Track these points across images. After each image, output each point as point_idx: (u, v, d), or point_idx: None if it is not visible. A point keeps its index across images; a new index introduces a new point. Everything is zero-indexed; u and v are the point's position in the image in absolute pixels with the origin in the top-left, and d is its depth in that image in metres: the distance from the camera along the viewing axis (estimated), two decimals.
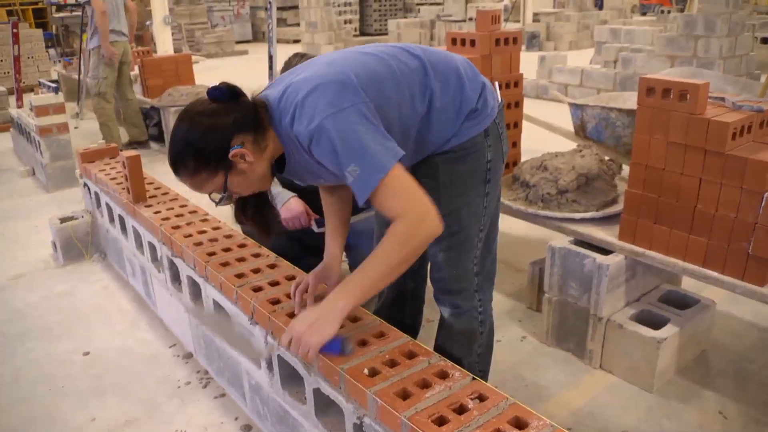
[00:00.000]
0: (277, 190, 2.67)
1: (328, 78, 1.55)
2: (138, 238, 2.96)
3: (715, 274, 2.17)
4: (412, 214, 1.49)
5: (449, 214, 1.74)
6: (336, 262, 1.94)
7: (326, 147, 1.49)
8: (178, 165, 1.59)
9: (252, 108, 1.61)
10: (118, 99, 6.14)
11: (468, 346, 2.00)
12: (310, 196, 2.72)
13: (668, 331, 2.35)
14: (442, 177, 1.79)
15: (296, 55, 2.63)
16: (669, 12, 18.35)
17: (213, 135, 1.55)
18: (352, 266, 2.89)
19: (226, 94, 1.60)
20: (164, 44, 9.33)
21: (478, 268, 1.91)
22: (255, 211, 1.80)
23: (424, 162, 1.80)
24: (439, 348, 2.00)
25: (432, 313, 2.44)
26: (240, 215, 1.83)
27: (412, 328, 2.29)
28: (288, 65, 2.57)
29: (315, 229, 2.62)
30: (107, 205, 3.33)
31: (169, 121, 5.83)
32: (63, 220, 3.65)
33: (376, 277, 1.51)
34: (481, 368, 2.05)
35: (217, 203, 1.67)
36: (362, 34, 17.22)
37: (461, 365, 1.72)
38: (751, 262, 2.08)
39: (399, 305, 2.24)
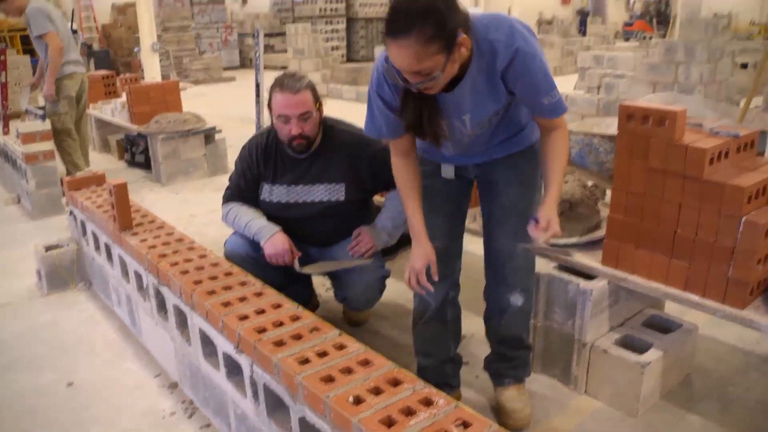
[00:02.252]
0: (261, 224, 2.68)
1: (519, 20, 1.87)
2: (124, 266, 2.95)
3: (696, 297, 2.20)
4: (565, 126, 2.02)
5: (526, 207, 2.14)
6: (430, 247, 2.09)
7: (541, 70, 1.84)
8: (413, 28, 1.61)
9: (466, 11, 1.76)
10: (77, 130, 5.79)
11: (528, 322, 2.40)
12: (298, 227, 2.74)
13: (652, 355, 2.37)
14: (521, 174, 2.16)
15: (285, 74, 2.66)
16: (651, 38, 18.68)
17: (454, 17, 1.67)
18: (338, 296, 2.90)
19: None
20: (152, 71, 9.35)
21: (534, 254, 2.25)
22: (429, 119, 1.91)
23: (503, 160, 2.14)
24: (503, 337, 2.36)
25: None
26: (413, 126, 1.94)
27: (455, 333, 2.45)
28: (281, 83, 2.59)
29: (297, 268, 2.63)
30: (93, 233, 3.32)
31: (157, 148, 5.85)
32: (48, 248, 3.63)
33: (563, 173, 1.98)
34: (529, 337, 2.46)
35: (416, 86, 1.73)
36: (349, 60, 17.40)
37: (522, 341, 2.37)
38: (731, 286, 2.11)
39: (441, 316, 2.35)
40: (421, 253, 2.06)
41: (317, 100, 2.63)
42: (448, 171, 2.21)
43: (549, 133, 1.99)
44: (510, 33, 1.80)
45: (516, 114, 2.08)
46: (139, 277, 2.78)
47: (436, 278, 2.07)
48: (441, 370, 2.40)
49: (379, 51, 14.63)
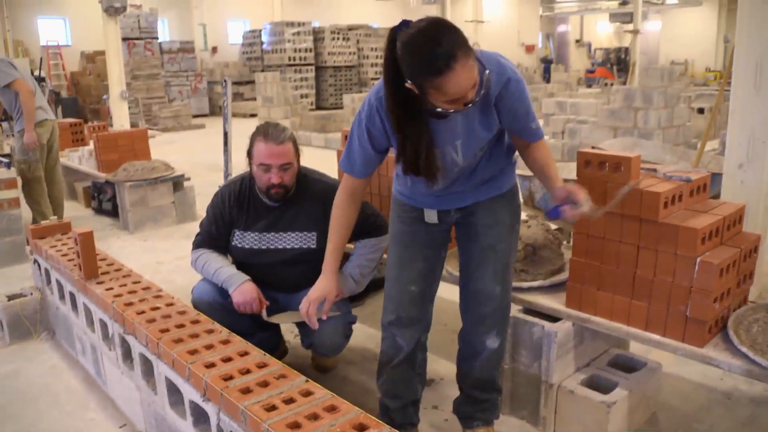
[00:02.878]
0: (230, 272, 2.69)
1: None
2: (89, 315, 2.92)
3: (657, 337, 2.25)
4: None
5: (505, 249, 2.24)
6: (335, 283, 2.23)
7: (527, 96, 2.02)
8: (456, 50, 1.72)
9: None
10: (48, 178, 5.72)
11: (500, 365, 2.43)
12: (268, 273, 2.75)
13: (617, 395, 2.40)
14: (499, 216, 2.24)
15: (269, 124, 2.71)
16: (612, 84, 19.28)
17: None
18: (305, 342, 2.90)
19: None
20: (120, 119, 9.36)
21: (510, 298, 2.35)
22: (426, 159, 1.98)
23: (481, 204, 2.23)
24: (476, 379, 2.39)
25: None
26: (410, 167, 2.01)
27: (422, 377, 2.47)
28: (265, 132, 2.64)
29: (264, 317, 2.64)
30: (58, 281, 3.28)
31: (124, 196, 5.82)
32: (11, 297, 3.57)
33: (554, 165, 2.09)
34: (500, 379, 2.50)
35: (472, 102, 1.83)
36: (318, 108, 17.60)
37: (494, 383, 2.41)
38: (689, 325, 2.17)
39: (412, 360, 2.38)
40: (323, 287, 2.24)
41: (297, 152, 2.69)
42: (431, 215, 2.26)
43: (536, 146, 2.11)
44: (499, 64, 1.95)
45: (498, 151, 2.18)
46: (104, 325, 2.75)
47: (324, 317, 2.24)
48: (405, 411, 2.41)
49: (348, 98, 14.86)
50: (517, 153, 2.25)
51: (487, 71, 1.84)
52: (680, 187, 2.27)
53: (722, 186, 3.45)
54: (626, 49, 25.59)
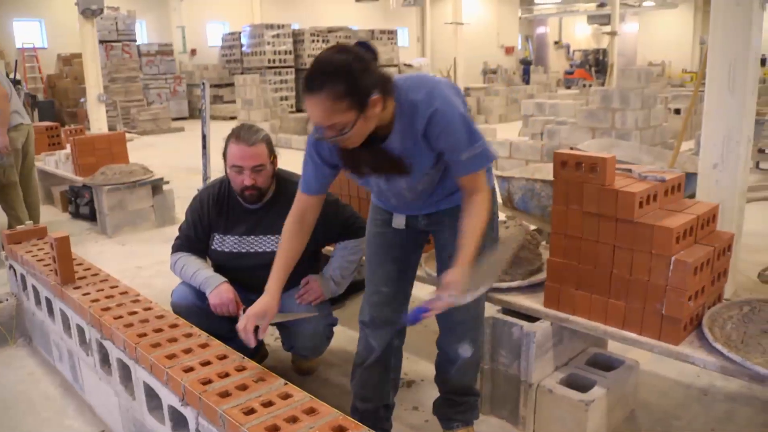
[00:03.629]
0: (207, 274, 2.68)
1: (447, 81, 2.00)
2: (66, 321, 2.89)
3: (633, 335, 2.27)
4: (487, 192, 2.01)
5: (483, 255, 2.08)
6: (276, 302, 2.12)
7: (461, 127, 1.88)
8: (325, 84, 1.71)
9: (385, 74, 1.84)
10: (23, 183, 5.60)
11: (476, 371, 2.44)
12: (248, 276, 2.74)
13: (595, 393, 2.42)
14: None
15: (243, 126, 2.70)
16: (591, 86, 19.46)
17: (369, 75, 1.76)
18: (285, 345, 2.90)
19: (373, 53, 1.85)
20: (98, 122, 9.29)
21: (484, 305, 2.36)
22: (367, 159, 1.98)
23: (447, 212, 2.17)
24: (452, 385, 2.40)
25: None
26: (357, 170, 2.03)
27: (395, 381, 2.48)
28: (237, 134, 2.63)
29: None
30: (33, 287, 3.24)
31: (102, 200, 5.76)
32: None
33: (479, 232, 1.95)
34: (477, 384, 2.50)
35: (326, 139, 1.82)
36: (298, 110, 17.54)
37: (470, 388, 2.41)
38: (665, 323, 2.19)
39: (385, 362, 2.37)
40: (264, 303, 2.11)
41: (272, 153, 2.69)
42: (398, 221, 2.26)
43: (470, 197, 1.99)
44: (430, 94, 1.89)
45: (448, 176, 2.11)
46: (81, 331, 2.72)
47: (261, 337, 2.10)
48: (376, 414, 2.41)
49: None
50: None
51: (355, 122, 1.77)
52: (655, 187, 2.30)
53: (697, 186, 3.50)
54: (604, 51, 25.85)
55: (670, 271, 2.14)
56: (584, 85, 21.36)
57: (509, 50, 29.27)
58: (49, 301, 3.06)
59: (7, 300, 3.56)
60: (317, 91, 1.73)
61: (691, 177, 3.37)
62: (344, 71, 1.73)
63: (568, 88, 22.29)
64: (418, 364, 3.09)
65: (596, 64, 26.04)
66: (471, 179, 1.97)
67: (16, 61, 15.35)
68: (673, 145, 7.34)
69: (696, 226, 2.26)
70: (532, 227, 3.15)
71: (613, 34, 21.52)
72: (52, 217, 6.59)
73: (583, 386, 2.49)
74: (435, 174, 2.06)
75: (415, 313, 1.86)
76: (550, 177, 3.32)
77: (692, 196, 3.42)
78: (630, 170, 2.43)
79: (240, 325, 2.06)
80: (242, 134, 2.61)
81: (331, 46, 1.83)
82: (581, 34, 32.57)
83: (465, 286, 1.85)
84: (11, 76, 13.79)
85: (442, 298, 1.85)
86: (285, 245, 2.17)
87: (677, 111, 10.50)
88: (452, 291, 1.84)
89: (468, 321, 2.28)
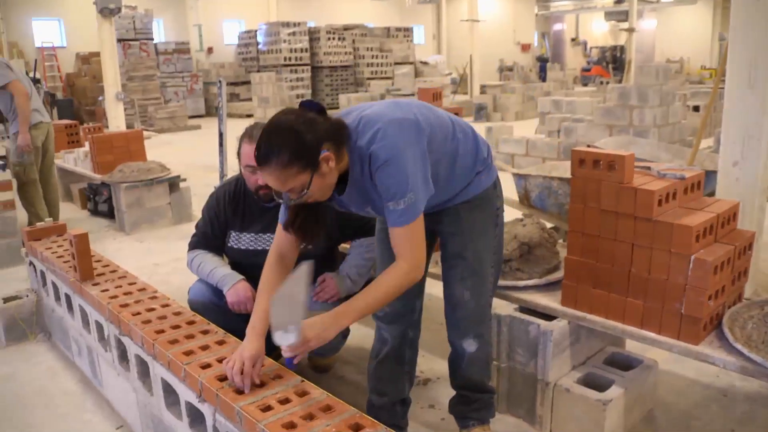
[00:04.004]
0: (224, 272, 2.69)
1: (406, 116, 1.90)
2: (85, 317, 2.91)
3: (652, 334, 2.25)
4: (413, 261, 1.88)
5: (473, 255, 2.15)
6: (263, 343, 1.98)
7: (396, 171, 1.81)
8: (271, 157, 1.76)
9: (336, 124, 1.85)
10: (43, 180, 5.69)
11: (488, 367, 2.40)
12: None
13: (613, 392, 2.41)
14: (465, 224, 2.17)
15: (256, 125, 2.70)
16: (608, 83, 19.32)
17: (311, 137, 1.77)
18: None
19: (317, 107, 1.87)
20: (116, 120, 9.37)
21: (491, 300, 2.32)
22: (302, 221, 2.02)
23: (447, 210, 2.16)
24: (463, 380, 2.38)
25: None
26: (290, 225, 2.04)
27: (410, 375, 2.45)
28: (250, 134, 2.64)
29: None
30: (53, 283, 3.27)
31: (120, 197, 5.81)
32: (6, 299, 3.56)
33: (373, 304, 1.88)
34: (491, 381, 2.47)
35: (291, 201, 1.85)
36: None
37: (483, 385, 2.39)
38: (684, 322, 2.17)
39: (399, 355, 2.37)
40: (251, 347, 1.92)
41: None
42: None
43: (390, 234, 1.91)
44: (374, 135, 1.84)
45: (437, 191, 2.03)
46: (100, 327, 2.75)
47: (257, 381, 1.88)
48: (392, 411, 2.40)
49: (344, 99, 14.85)
50: (489, 156, 2.20)
51: (311, 181, 1.79)
52: (674, 185, 2.27)
53: (717, 183, 3.46)
54: (622, 48, 25.64)
55: (689, 270, 2.12)
56: (601, 83, 21.21)
57: (525, 47, 29.12)
58: (68, 298, 3.09)
59: (27, 296, 3.60)
60: (265, 164, 1.78)
61: (710, 175, 3.33)
62: (287, 137, 1.76)
63: (585, 85, 22.16)
64: (434, 362, 3.09)
65: (614, 61, 25.85)
66: (395, 237, 1.89)
67: (36, 60, 15.51)
68: (691, 142, 7.27)
69: (716, 225, 2.24)
70: (549, 225, 3.13)
71: (630, 30, 21.33)
72: (71, 214, 6.66)
73: (600, 385, 2.48)
74: None
75: (288, 363, 1.85)
76: (568, 175, 3.30)
77: (712, 194, 3.38)
78: (649, 168, 2.40)
79: (236, 369, 1.85)
80: (255, 134, 2.61)
81: (278, 113, 1.86)
82: (598, 31, 32.32)
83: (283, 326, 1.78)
84: (31, 74, 13.93)
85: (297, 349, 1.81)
86: (265, 285, 2.06)
87: (696, 108, 10.38)
88: (310, 343, 1.80)
89: (471, 317, 2.25)
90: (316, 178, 1.81)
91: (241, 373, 1.85)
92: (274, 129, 1.80)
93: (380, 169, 1.83)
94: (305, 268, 1.76)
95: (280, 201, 1.90)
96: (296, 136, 1.76)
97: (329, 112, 1.92)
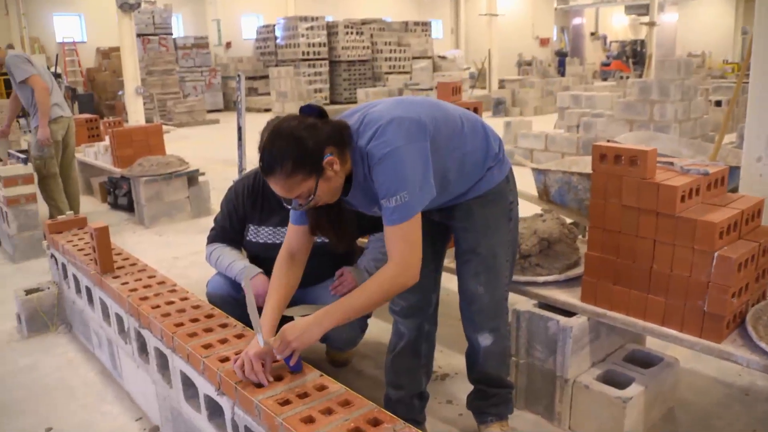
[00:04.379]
0: (243, 265, 2.70)
1: (407, 114, 1.86)
2: (105, 309, 2.94)
3: (674, 332, 2.23)
4: (403, 264, 1.82)
5: (486, 251, 2.14)
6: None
7: (390, 169, 1.79)
8: (275, 167, 1.77)
9: (338, 126, 1.84)
10: (63, 174, 5.74)
11: (505, 362, 2.39)
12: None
13: (633, 390, 2.38)
14: (478, 219, 2.15)
15: (277, 119, 2.70)
16: (628, 77, 19.11)
17: (313, 142, 1.77)
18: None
19: (317, 112, 1.86)
20: (136, 114, 9.43)
21: (507, 294, 2.29)
22: (329, 223, 2.03)
23: (459, 206, 2.14)
24: (480, 374, 2.37)
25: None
26: (315, 227, 2.04)
27: (427, 368, 2.45)
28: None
29: None
30: (74, 276, 3.31)
31: (140, 191, 5.85)
32: (28, 291, 3.60)
33: (358, 308, 1.84)
34: (509, 376, 2.46)
35: (300, 207, 1.86)
36: (332, 102, 17.60)
37: (501, 380, 2.37)
38: (707, 320, 2.14)
39: (416, 348, 2.37)
40: (256, 345, 1.88)
41: None
42: None
43: (385, 232, 1.86)
44: (371, 136, 1.82)
45: (447, 187, 2.04)
46: (120, 319, 2.77)
47: (266, 380, 1.83)
48: (410, 405, 2.40)
49: (362, 93, 14.84)
50: (500, 150, 2.16)
51: (317, 186, 1.80)
52: (697, 180, 2.24)
53: (740, 179, 3.40)
54: (642, 42, 25.35)
55: (712, 267, 2.09)
56: (621, 77, 20.99)
57: (544, 42, 28.91)
58: (89, 290, 3.12)
59: (48, 288, 3.64)
60: (270, 174, 1.79)
61: (733, 171, 3.28)
62: (289, 145, 1.76)
63: (605, 80, 21.93)
64: (452, 357, 3.08)
65: (634, 55, 25.55)
66: (386, 236, 1.85)
67: (57, 55, 15.66)
68: (713, 138, 7.17)
69: (740, 221, 2.20)
70: (569, 221, 3.10)
71: (651, 24, 21.10)
72: (92, 207, 6.72)
73: (620, 383, 2.45)
74: None
75: (288, 365, 1.86)
76: (587, 170, 3.27)
77: (734, 190, 3.33)
78: (671, 163, 2.37)
79: (247, 369, 1.84)
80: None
81: (278, 120, 1.86)
82: (619, 25, 31.98)
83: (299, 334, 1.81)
84: (52, 69, 14.07)
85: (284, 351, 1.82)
86: (276, 283, 2.05)
87: (718, 103, 10.25)
88: (285, 339, 1.81)
89: (486, 311, 2.24)
90: (321, 183, 1.81)
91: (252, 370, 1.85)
92: (275, 138, 1.79)
93: (375, 166, 1.81)
94: (248, 282, 1.91)
95: (290, 207, 1.90)
96: (298, 144, 1.76)
97: (332, 114, 1.92)
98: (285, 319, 2.81)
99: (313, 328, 1.82)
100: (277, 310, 2.01)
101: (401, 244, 1.83)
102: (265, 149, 1.80)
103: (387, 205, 1.81)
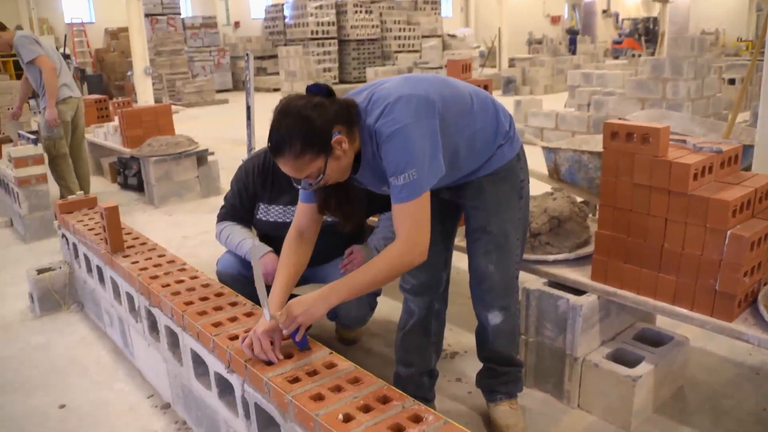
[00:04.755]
0: (253, 243, 2.70)
1: (415, 92, 1.84)
2: (116, 288, 2.96)
3: (684, 311, 2.21)
4: (411, 242, 1.81)
5: (497, 229, 2.12)
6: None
7: (399, 146, 1.76)
8: (283, 148, 1.76)
9: (345, 104, 1.83)
10: (73, 155, 5.76)
11: (514, 340, 2.38)
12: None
13: (643, 368, 2.38)
14: (489, 197, 2.13)
15: (288, 97, 2.70)
16: (640, 56, 18.89)
17: (321, 121, 1.76)
18: (329, 314, 2.91)
19: (324, 90, 1.83)
20: (144, 94, 9.41)
21: (518, 272, 2.28)
22: (337, 203, 2.02)
23: (470, 184, 2.10)
24: (490, 352, 2.37)
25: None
26: (323, 207, 2.03)
27: (437, 346, 2.46)
28: None
29: None
30: (85, 255, 3.32)
31: (149, 170, 5.86)
32: (40, 271, 3.63)
33: (364, 285, 1.84)
34: (518, 354, 2.46)
35: (310, 187, 1.86)
36: (342, 81, 17.50)
37: (511, 358, 2.37)
38: (718, 299, 2.13)
39: (425, 326, 2.37)
40: (264, 323, 1.88)
41: None
42: None
43: (393, 210, 1.84)
44: (379, 114, 1.81)
45: (457, 165, 2.03)
46: (130, 298, 2.79)
47: (276, 357, 1.84)
48: (419, 382, 2.41)
49: (371, 72, 14.75)
50: (511, 128, 2.13)
51: (326, 165, 1.78)
52: (710, 158, 2.21)
53: (754, 158, 3.37)
54: (655, 19, 24.99)
55: (725, 245, 2.07)
56: (633, 55, 20.75)
57: (555, 20, 28.57)
58: (99, 269, 3.14)
59: (60, 268, 3.67)
60: (279, 155, 1.78)
61: (746, 149, 3.24)
62: (296, 126, 1.75)
63: (616, 58, 21.67)
64: (461, 335, 3.08)
65: (646, 33, 25.20)
66: (395, 214, 1.83)
67: (65, 35, 15.64)
68: (726, 116, 7.09)
69: (753, 200, 2.18)
70: (579, 199, 3.08)
71: (664, 1, 20.80)
72: (102, 187, 6.75)
73: (630, 361, 2.45)
74: None
75: (293, 340, 1.88)
76: (598, 148, 3.24)
77: (747, 168, 3.29)
78: (684, 141, 2.34)
79: (255, 348, 1.84)
80: None
81: (285, 100, 1.83)
82: (631, 2, 31.53)
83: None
84: (61, 50, 14.06)
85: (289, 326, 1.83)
86: (285, 261, 2.04)
87: (731, 81, 10.11)
88: (291, 314, 1.81)
89: (496, 289, 2.23)
90: (330, 162, 1.80)
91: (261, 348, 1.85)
92: (282, 118, 1.78)
93: (383, 144, 1.79)
94: (257, 258, 1.87)
95: (299, 187, 1.89)
96: (306, 123, 1.75)
97: (340, 93, 1.90)
98: (292, 297, 2.82)
99: (319, 303, 1.82)
100: (285, 287, 2.01)
101: (409, 221, 1.81)
102: (273, 130, 1.79)
103: (395, 183, 1.79)
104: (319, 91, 1.83)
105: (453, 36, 19.92)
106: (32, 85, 5.51)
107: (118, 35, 16.84)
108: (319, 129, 1.76)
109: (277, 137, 1.77)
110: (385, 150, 1.80)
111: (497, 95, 12.05)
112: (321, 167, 1.79)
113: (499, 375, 2.40)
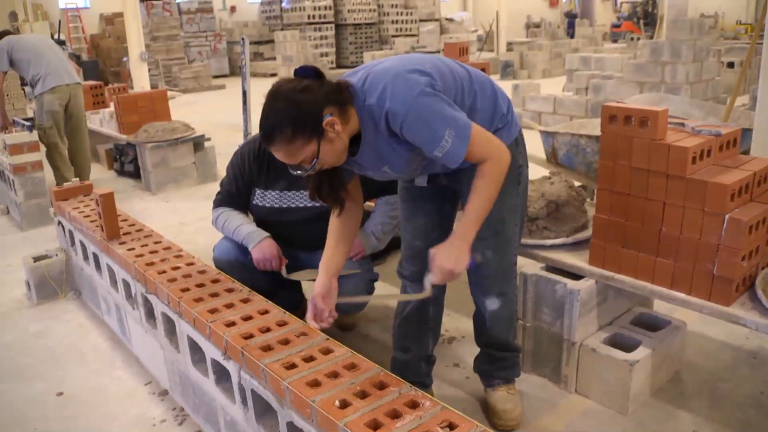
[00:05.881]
0: (249, 229, 2.69)
1: (409, 67, 1.82)
2: (112, 275, 2.95)
3: (682, 295, 2.21)
4: (496, 155, 1.85)
5: (495, 215, 2.06)
6: (335, 282, 2.08)
7: (420, 122, 1.76)
8: (274, 134, 1.74)
9: (336, 85, 1.81)
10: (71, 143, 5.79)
11: (512, 326, 2.38)
12: (289, 231, 2.75)
13: (640, 353, 2.38)
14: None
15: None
16: (639, 39, 18.78)
17: (310, 104, 1.74)
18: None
19: (313, 73, 1.81)
20: (140, 80, 9.36)
21: (515, 258, 2.27)
22: (330, 189, 2.00)
23: (467, 170, 1.99)
24: (487, 337, 2.37)
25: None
26: (315, 193, 2.01)
27: (434, 332, 2.45)
28: None
29: (284, 274, 2.64)
30: (81, 242, 3.31)
31: (146, 157, 5.84)
32: (37, 258, 3.62)
33: (483, 209, 1.88)
34: (516, 340, 2.45)
35: (305, 172, 1.83)
36: (339, 66, 17.41)
37: (508, 344, 2.37)
38: (716, 283, 2.12)
39: (423, 311, 2.38)
40: (319, 284, 2.06)
41: None
42: (420, 180, 2.22)
43: (479, 167, 1.88)
44: (382, 94, 1.79)
45: None
46: (127, 285, 2.78)
47: (330, 317, 2.05)
48: (417, 368, 2.41)
49: (368, 56, 14.67)
50: (509, 112, 2.11)
51: (319, 149, 1.77)
52: (709, 141, 2.20)
53: (752, 141, 3.36)
54: (653, 2, 24.84)
55: (723, 229, 2.06)
56: (632, 39, 20.63)
57: (554, 3, 28.40)
58: (96, 257, 3.13)
59: (56, 255, 3.66)
60: (271, 142, 1.76)
61: (745, 133, 3.22)
62: (286, 111, 1.73)
63: (615, 41, 21.58)
64: (459, 321, 3.08)
65: (645, 16, 25.05)
66: (472, 156, 1.85)
67: (60, 21, 15.51)
68: (725, 100, 7.06)
69: (752, 183, 2.16)
70: (577, 183, 3.07)
71: None
72: (98, 174, 6.72)
73: (627, 346, 2.45)
74: (422, 156, 1.95)
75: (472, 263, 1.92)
76: (596, 132, 3.22)
77: (746, 152, 3.28)
78: (683, 124, 2.33)
79: (309, 315, 2.01)
80: None
81: (274, 85, 1.81)
82: None
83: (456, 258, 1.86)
84: (55, 36, 13.96)
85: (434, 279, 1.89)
86: (331, 230, 2.13)
87: (730, 64, 10.07)
88: (444, 270, 1.85)
89: (494, 275, 2.22)
90: (324, 145, 1.77)
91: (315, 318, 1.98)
92: (272, 104, 1.76)
93: (404, 126, 1.78)
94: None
95: (297, 173, 1.86)
96: (295, 107, 1.72)
97: (330, 74, 1.89)
98: (290, 282, 2.81)
99: (460, 245, 1.87)
100: (339, 255, 2.10)
101: (483, 146, 1.83)
102: (263, 117, 1.77)
103: (444, 151, 1.78)
104: (307, 73, 1.80)
105: (451, 20, 19.79)
106: (20, 77, 5.58)
107: (113, 20, 16.70)
108: (309, 112, 1.73)
109: (267, 125, 1.75)
110: (409, 131, 1.79)
111: (495, 79, 11.97)
112: (314, 151, 1.77)
113: (497, 360, 2.40)
